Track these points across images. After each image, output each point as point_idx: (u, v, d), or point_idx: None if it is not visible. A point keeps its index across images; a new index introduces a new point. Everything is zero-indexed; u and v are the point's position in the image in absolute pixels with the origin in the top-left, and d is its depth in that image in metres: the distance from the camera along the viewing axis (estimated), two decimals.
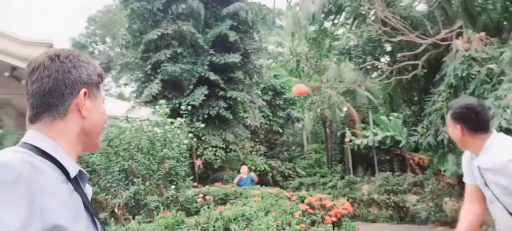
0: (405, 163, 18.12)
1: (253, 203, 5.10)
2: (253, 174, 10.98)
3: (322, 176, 17.26)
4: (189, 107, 10.00)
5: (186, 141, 6.76)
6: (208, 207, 5.03)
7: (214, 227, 3.76)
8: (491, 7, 10.31)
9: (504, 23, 10.65)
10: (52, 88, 1.05)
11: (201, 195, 7.22)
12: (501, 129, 6.52)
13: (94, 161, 6.06)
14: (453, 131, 2.37)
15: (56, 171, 1.00)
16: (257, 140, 17.39)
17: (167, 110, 7.03)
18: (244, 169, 11.08)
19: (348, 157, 20.38)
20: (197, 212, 5.76)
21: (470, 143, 2.31)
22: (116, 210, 5.75)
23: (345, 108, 21.78)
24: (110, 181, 5.94)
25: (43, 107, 1.06)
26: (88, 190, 1.15)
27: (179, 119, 6.96)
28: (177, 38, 14.53)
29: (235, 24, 14.46)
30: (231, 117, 13.58)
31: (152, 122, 6.60)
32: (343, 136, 20.75)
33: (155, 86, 12.92)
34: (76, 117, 1.09)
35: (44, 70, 1.06)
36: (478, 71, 8.26)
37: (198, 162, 12.95)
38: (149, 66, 13.77)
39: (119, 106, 14.09)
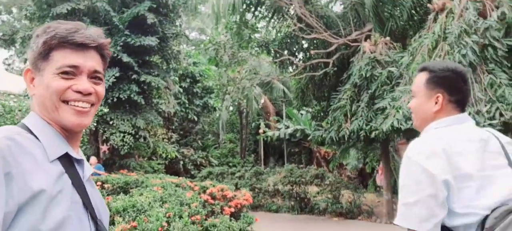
0: (312, 155, 19.02)
1: (148, 194, 4.91)
2: (99, 168, 10.65)
3: (234, 166, 17.44)
4: None
5: None
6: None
7: None
8: (398, 15, 11.04)
9: (409, 30, 11.51)
10: None
11: (98, 183, 6.83)
12: (392, 129, 7.09)
13: None
14: (423, 101, 1.71)
15: (43, 150, 0.99)
16: (170, 127, 16.99)
17: None
18: (92, 160, 10.72)
19: (260, 148, 20.82)
20: None
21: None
22: None
23: (262, 100, 22.18)
24: None
25: None
26: (87, 172, 1.11)
27: None
28: (89, 15, 13.60)
29: (155, 6, 13.92)
30: (143, 102, 13.05)
31: None
32: (258, 127, 21.14)
33: None
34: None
35: None
36: (380, 73, 8.86)
37: (104, 148, 12.30)
38: None
39: (19, 82, 12.87)
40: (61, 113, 1.04)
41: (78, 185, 1.03)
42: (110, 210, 3.94)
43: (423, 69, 1.74)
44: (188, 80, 18.22)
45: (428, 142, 1.61)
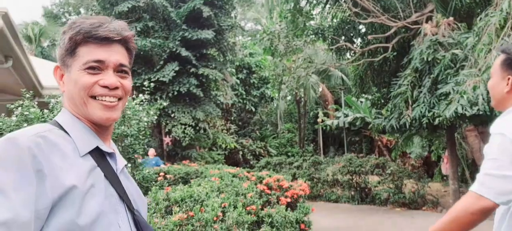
0: (373, 144, 18.45)
1: (206, 184, 5.06)
2: (158, 160, 10.52)
3: (293, 155, 17.41)
4: (152, 84, 9.72)
5: (146, 118, 6.61)
6: (162, 187, 4.94)
7: (154, 209, 3.70)
8: None
9: (475, 9, 10.72)
10: None
11: (162, 174, 7.15)
12: (456, 115, 6.67)
13: None
14: (497, 82, 1.79)
15: (74, 146, 1.01)
16: (229, 118, 17.32)
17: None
18: (151, 151, 10.65)
19: (319, 137, 20.57)
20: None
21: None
22: None
23: (320, 89, 21.87)
24: None
25: None
26: (120, 164, 1.13)
27: (140, 95, 6.79)
28: (148, 11, 14.18)
29: None
30: (202, 95, 13.41)
31: None
32: (316, 116, 20.89)
33: None
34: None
35: None
36: (443, 56, 8.34)
37: (167, 139, 12.83)
38: None
39: None
40: (89, 108, 1.05)
41: (112, 177, 1.05)
42: (169, 200, 4.11)
43: (502, 51, 1.81)
44: (244, 71, 18.41)
45: None
